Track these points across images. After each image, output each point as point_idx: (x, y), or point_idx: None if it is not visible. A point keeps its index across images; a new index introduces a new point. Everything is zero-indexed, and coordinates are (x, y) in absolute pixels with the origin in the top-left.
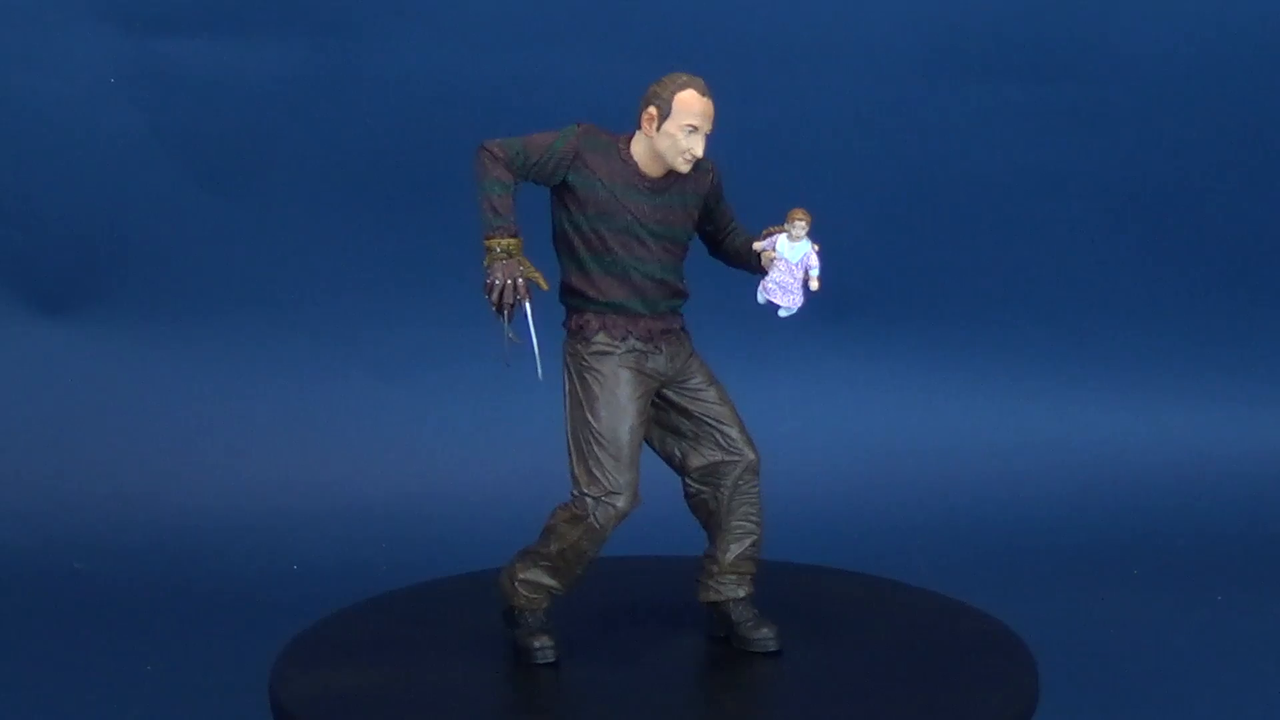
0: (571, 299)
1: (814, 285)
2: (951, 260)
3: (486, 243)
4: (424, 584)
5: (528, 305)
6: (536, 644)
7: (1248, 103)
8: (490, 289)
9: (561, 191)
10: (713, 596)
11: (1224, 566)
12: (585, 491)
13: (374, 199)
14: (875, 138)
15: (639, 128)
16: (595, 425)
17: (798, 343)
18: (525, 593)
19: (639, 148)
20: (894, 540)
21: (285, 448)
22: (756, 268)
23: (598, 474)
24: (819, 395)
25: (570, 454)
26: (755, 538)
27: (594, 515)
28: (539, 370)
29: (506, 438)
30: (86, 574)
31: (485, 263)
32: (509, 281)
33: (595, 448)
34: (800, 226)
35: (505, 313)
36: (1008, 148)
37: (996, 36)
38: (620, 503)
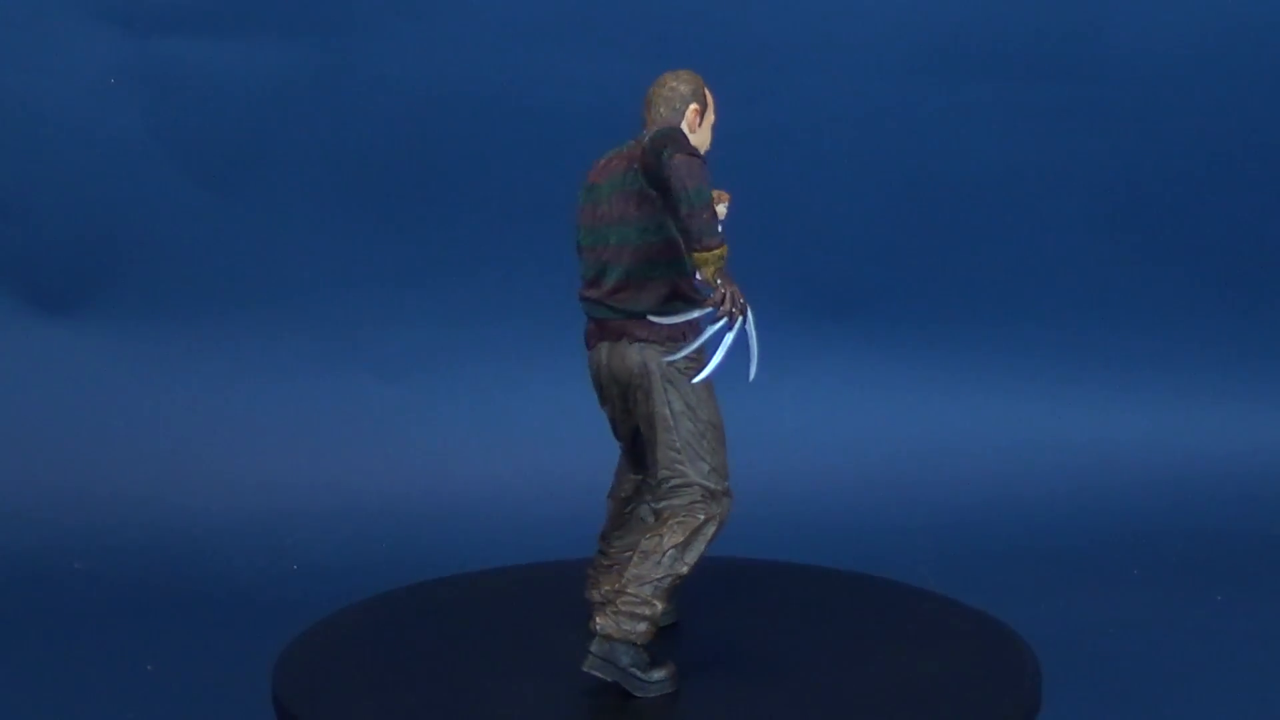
0: (676, 306)
1: None
2: (951, 259)
3: (713, 253)
4: (424, 584)
5: (749, 311)
6: (659, 675)
7: (1247, 102)
8: (725, 298)
9: None
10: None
11: (1224, 566)
12: (718, 489)
13: (374, 199)
14: (874, 137)
15: (665, 125)
16: (715, 422)
17: (798, 342)
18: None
19: None
20: (894, 540)
21: (285, 448)
22: None
23: (721, 470)
24: (819, 395)
25: (684, 465)
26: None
27: (726, 511)
28: (753, 372)
29: (506, 438)
30: (86, 574)
31: (711, 273)
32: (735, 288)
33: (717, 445)
34: (722, 207)
35: (738, 320)
36: (1006, 147)
37: (995, 36)
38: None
